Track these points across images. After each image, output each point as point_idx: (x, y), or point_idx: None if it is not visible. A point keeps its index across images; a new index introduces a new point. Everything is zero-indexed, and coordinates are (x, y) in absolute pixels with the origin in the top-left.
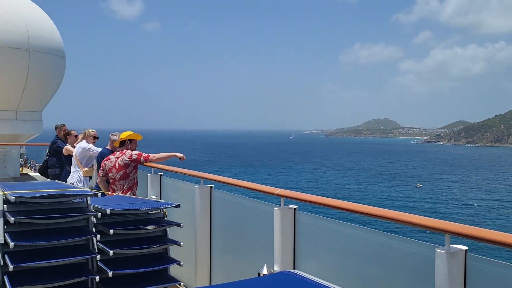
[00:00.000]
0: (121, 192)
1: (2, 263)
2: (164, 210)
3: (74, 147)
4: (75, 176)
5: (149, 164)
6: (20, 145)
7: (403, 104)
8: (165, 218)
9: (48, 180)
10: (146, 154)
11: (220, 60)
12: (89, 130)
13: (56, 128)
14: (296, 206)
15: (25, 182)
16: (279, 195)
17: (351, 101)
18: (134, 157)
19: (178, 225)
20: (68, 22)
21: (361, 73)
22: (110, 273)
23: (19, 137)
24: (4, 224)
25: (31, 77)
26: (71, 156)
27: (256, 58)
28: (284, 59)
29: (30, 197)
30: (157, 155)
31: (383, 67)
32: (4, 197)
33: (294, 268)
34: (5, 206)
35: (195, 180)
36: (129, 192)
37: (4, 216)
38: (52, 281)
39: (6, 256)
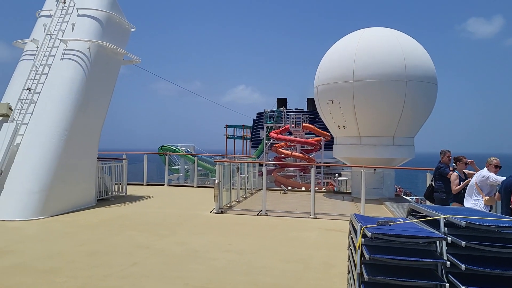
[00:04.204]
0: None
1: (446, 282)
2: None
3: (464, 173)
4: (478, 204)
5: None
6: (397, 168)
7: None
8: None
9: (432, 204)
10: None
11: None
12: (491, 159)
13: (440, 153)
14: None
15: (446, 207)
16: None
17: None
18: None
19: None
20: (428, 47)
21: None
22: None
23: (393, 160)
24: (446, 246)
25: (407, 105)
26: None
27: None
28: None
29: (480, 224)
30: None
31: None
32: (445, 220)
33: None
34: (445, 228)
35: None
36: None
37: (452, 239)
38: None
39: (449, 276)
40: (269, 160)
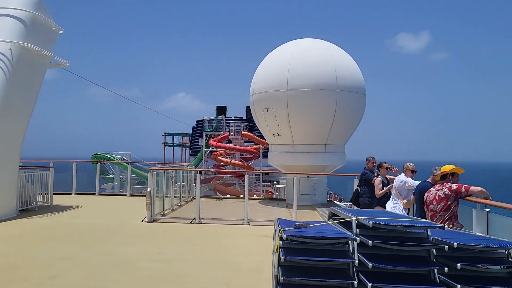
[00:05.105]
0: (440, 223)
1: (356, 280)
2: (510, 250)
3: (386, 178)
4: (397, 208)
5: (474, 199)
6: (328, 175)
7: None
8: (510, 259)
9: (358, 208)
10: (467, 186)
11: None
12: (408, 164)
13: (366, 160)
14: None
15: (362, 210)
16: None
17: None
18: (454, 187)
19: None
20: (359, 59)
21: None
22: None
23: (326, 167)
24: (357, 246)
25: (338, 114)
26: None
27: None
28: None
29: (385, 224)
30: (477, 189)
31: None
32: (357, 221)
33: None
34: (357, 229)
35: None
36: (447, 223)
37: (361, 239)
38: None
39: (360, 274)
40: (208, 168)
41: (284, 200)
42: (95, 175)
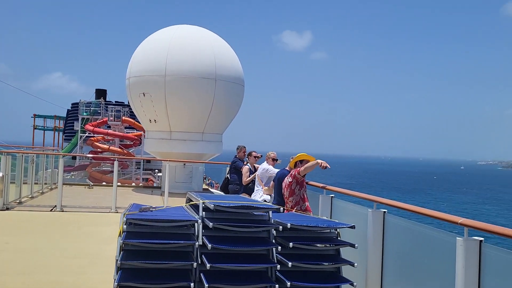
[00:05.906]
0: (289, 208)
1: (199, 262)
2: (338, 230)
3: (254, 167)
4: (257, 194)
5: (319, 185)
6: (204, 163)
7: None
8: (339, 238)
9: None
10: (298, 169)
11: (387, 85)
12: (270, 153)
13: (237, 148)
14: (482, 238)
15: (217, 194)
16: (462, 225)
17: None
18: (293, 173)
19: (353, 245)
20: (246, 53)
21: None
22: (288, 284)
23: (203, 156)
24: (203, 229)
25: (216, 103)
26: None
27: (426, 81)
28: (458, 82)
29: (226, 207)
30: (304, 166)
31: None
32: (203, 205)
33: None
34: (204, 213)
35: (367, 203)
36: (296, 207)
37: (203, 222)
38: (239, 283)
39: (203, 256)
40: (83, 154)
41: (160, 188)
42: None
